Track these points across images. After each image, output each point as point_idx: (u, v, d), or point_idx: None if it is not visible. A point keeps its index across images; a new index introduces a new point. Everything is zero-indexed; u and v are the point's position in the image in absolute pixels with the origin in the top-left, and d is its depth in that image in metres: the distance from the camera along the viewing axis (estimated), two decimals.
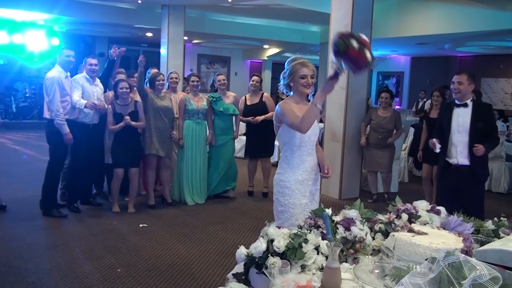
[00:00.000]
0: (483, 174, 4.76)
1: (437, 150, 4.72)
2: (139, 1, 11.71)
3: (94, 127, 6.06)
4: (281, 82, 3.40)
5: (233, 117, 7.12)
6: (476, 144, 4.48)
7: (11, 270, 4.25)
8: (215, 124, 6.93)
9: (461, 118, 4.62)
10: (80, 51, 18.16)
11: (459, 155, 4.63)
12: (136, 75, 6.68)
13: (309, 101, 3.55)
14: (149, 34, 15.49)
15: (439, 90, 6.82)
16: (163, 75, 6.54)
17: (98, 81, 6.24)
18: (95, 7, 12.57)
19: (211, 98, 6.90)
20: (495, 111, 10.62)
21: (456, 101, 4.67)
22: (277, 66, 20.83)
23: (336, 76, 2.91)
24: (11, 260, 4.48)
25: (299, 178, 3.28)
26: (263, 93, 7.21)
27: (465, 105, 4.61)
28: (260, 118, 6.85)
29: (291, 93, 3.37)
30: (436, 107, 6.65)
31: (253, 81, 7.14)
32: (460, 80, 4.59)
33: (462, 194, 4.56)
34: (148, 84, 6.46)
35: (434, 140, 4.73)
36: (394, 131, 7.11)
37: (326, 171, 3.36)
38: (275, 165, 3.59)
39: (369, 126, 7.26)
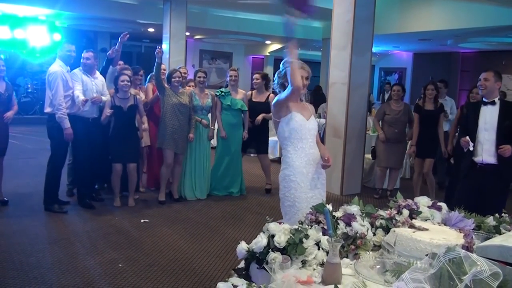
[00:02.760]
0: (510, 173, 4.62)
1: (471, 148, 4.57)
2: None
3: (94, 121, 6.02)
4: (275, 81, 3.43)
5: (242, 114, 7.01)
6: (503, 145, 4.39)
7: (12, 265, 4.26)
8: (223, 120, 6.90)
9: (488, 116, 4.55)
10: (82, 47, 18.04)
11: (485, 153, 4.53)
12: (141, 73, 6.74)
13: (301, 100, 3.58)
14: (151, 30, 15.45)
15: (433, 83, 6.82)
16: (180, 72, 6.46)
17: (98, 73, 6.20)
18: (97, 2, 12.53)
19: (219, 93, 6.88)
20: None
21: (484, 99, 4.62)
22: (279, 62, 20.52)
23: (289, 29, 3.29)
24: (13, 254, 4.49)
25: (303, 171, 3.32)
26: (269, 94, 7.15)
27: (493, 103, 4.55)
28: (259, 117, 6.93)
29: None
30: (430, 100, 6.66)
31: (253, 79, 7.10)
32: (486, 77, 4.57)
33: (485, 193, 4.50)
34: (166, 81, 6.46)
35: (468, 138, 4.58)
36: (407, 125, 7.10)
37: (326, 158, 3.38)
38: (276, 160, 3.60)
39: (381, 121, 7.21)
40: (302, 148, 3.31)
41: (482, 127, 4.58)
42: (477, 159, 4.59)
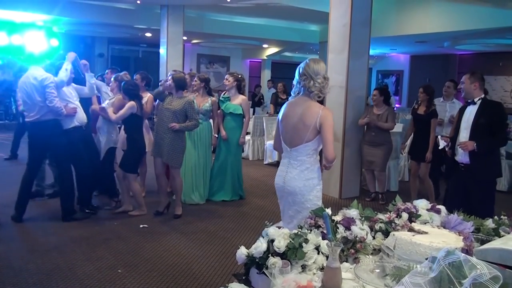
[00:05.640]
0: (485, 173, 4.63)
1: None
2: (138, 2, 11.71)
3: (87, 127, 6.10)
4: (312, 83, 3.31)
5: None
6: (468, 141, 4.57)
7: (12, 271, 4.25)
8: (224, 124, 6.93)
9: (468, 115, 4.70)
10: (80, 52, 18.11)
11: (460, 152, 4.67)
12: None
13: None
14: (148, 34, 15.49)
15: (423, 87, 6.86)
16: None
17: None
18: (94, 8, 12.57)
19: (221, 98, 6.95)
20: None
21: (468, 100, 4.76)
22: (276, 65, 20.80)
23: None
24: (12, 261, 4.49)
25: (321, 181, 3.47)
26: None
27: (474, 102, 4.68)
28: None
29: (299, 94, 3.41)
30: (423, 103, 6.73)
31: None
32: (462, 80, 4.77)
33: (470, 193, 4.56)
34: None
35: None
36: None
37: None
38: (274, 164, 3.62)
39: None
40: (318, 160, 3.45)
41: (463, 126, 4.74)
42: (457, 158, 4.74)
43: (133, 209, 6.14)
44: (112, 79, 6.53)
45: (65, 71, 5.73)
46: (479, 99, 4.65)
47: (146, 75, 6.97)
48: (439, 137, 5.01)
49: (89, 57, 17.61)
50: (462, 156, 4.67)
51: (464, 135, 4.68)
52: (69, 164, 5.89)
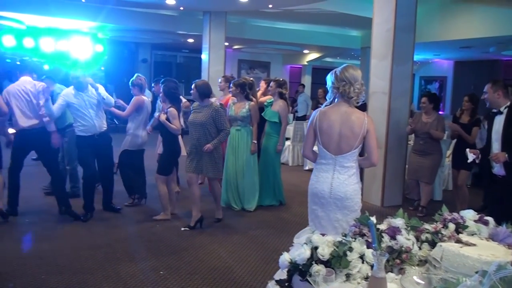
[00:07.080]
0: None
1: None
2: (181, 8, 11.90)
3: (100, 136, 6.11)
4: (352, 89, 3.35)
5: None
6: (499, 152, 4.41)
7: (57, 269, 4.40)
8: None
9: (497, 126, 4.57)
10: (124, 57, 18.62)
11: (496, 165, 4.52)
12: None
13: None
14: (190, 40, 15.72)
15: (468, 95, 6.67)
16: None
17: (90, 88, 6.06)
18: (138, 15, 12.85)
19: (265, 104, 7.09)
20: None
21: (494, 110, 4.64)
22: (317, 71, 20.71)
23: None
24: (57, 259, 4.64)
25: None
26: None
27: (500, 112, 4.55)
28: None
29: (334, 100, 3.43)
30: (467, 112, 6.57)
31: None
32: (485, 90, 4.65)
33: (508, 206, 4.41)
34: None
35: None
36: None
37: None
38: (310, 170, 3.62)
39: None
40: None
41: (494, 137, 4.59)
42: (494, 171, 4.57)
43: (175, 212, 6.29)
44: (130, 84, 6.64)
45: (58, 108, 5.89)
46: (505, 108, 4.52)
47: (171, 80, 7.05)
48: (467, 150, 4.74)
49: (133, 62, 18.06)
50: (498, 169, 4.52)
51: (496, 147, 4.53)
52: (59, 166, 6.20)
